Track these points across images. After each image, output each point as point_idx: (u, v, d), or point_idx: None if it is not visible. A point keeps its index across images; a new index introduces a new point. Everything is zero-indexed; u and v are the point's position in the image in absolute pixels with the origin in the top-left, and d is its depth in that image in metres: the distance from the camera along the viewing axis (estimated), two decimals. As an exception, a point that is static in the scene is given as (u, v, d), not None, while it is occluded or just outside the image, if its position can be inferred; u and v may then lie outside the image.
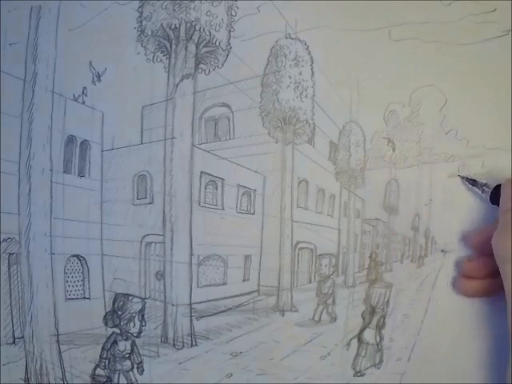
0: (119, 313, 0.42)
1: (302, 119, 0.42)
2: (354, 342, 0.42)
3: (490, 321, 0.39)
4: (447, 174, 0.41)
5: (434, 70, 0.40)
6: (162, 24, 0.41)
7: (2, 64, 0.41)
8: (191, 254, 0.42)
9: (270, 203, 0.42)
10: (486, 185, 0.37)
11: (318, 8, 0.40)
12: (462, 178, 0.39)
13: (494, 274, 0.34)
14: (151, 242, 0.42)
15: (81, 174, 0.42)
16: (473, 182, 0.39)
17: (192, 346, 0.42)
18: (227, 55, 0.41)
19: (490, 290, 0.36)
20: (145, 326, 0.42)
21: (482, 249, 0.37)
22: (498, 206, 0.35)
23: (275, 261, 0.42)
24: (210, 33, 0.41)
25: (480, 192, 0.38)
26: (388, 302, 0.42)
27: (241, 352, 0.42)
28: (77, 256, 0.42)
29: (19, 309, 0.41)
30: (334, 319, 0.42)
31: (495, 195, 0.36)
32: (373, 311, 0.42)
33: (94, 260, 0.42)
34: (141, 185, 0.42)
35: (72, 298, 0.42)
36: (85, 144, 0.41)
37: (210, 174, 0.42)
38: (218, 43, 0.41)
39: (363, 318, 0.42)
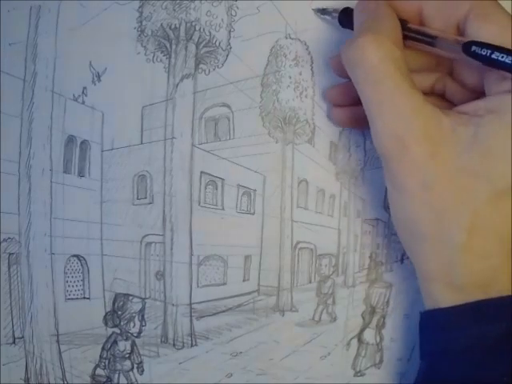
0: (119, 313, 0.42)
1: (302, 119, 0.42)
2: (354, 342, 0.42)
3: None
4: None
5: (434, 70, 0.40)
6: (161, 24, 0.41)
7: (2, 64, 0.41)
8: (191, 254, 0.42)
9: (270, 203, 0.42)
10: (335, 10, 0.38)
11: (316, 7, 0.40)
12: (314, 10, 0.40)
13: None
14: (151, 242, 0.42)
15: (81, 174, 0.42)
16: (323, 11, 0.39)
17: (192, 345, 0.42)
18: (227, 55, 0.41)
19: (361, 117, 0.35)
20: (145, 325, 0.42)
21: (342, 73, 0.37)
22: (349, 28, 0.36)
23: (275, 261, 0.42)
24: (210, 33, 0.41)
25: (331, 19, 0.39)
26: (388, 301, 0.42)
27: (241, 352, 0.42)
28: (77, 256, 0.42)
29: (19, 309, 0.41)
30: (333, 319, 0.42)
31: (344, 19, 0.37)
32: (373, 311, 0.42)
33: (94, 260, 0.42)
34: (141, 185, 0.42)
35: (72, 298, 0.42)
36: (85, 144, 0.41)
37: (209, 174, 0.42)
38: (217, 43, 0.41)
39: (363, 318, 0.42)
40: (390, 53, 0.30)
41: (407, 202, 0.31)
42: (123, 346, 0.42)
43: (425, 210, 0.31)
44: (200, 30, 0.41)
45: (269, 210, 0.42)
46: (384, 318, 0.42)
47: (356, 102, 0.35)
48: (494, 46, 0.29)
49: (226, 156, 0.42)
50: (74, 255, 0.42)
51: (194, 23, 0.41)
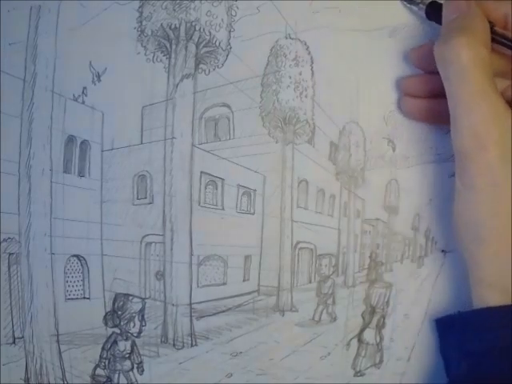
0: (119, 313, 0.42)
1: (302, 119, 0.42)
2: (354, 342, 0.42)
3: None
4: (447, 173, 0.41)
5: (434, 70, 0.40)
6: (161, 24, 0.41)
7: (2, 64, 0.41)
8: (191, 254, 0.42)
9: (270, 203, 0.42)
10: (422, 1, 0.39)
11: (317, 8, 0.40)
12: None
13: (438, 94, 0.34)
14: (151, 242, 0.42)
15: (81, 174, 0.42)
16: (410, 1, 0.40)
17: (192, 345, 0.42)
18: (227, 55, 0.41)
19: (434, 112, 0.36)
20: (145, 325, 0.42)
21: (422, 65, 0.38)
22: (435, 21, 0.37)
23: (275, 261, 0.42)
24: (210, 33, 0.41)
25: (417, 9, 0.39)
26: (388, 301, 0.42)
27: (241, 352, 0.42)
28: (77, 256, 0.42)
29: (19, 309, 0.41)
30: (334, 319, 0.42)
31: (431, 11, 0.38)
32: (373, 311, 0.42)
33: (94, 260, 0.42)
34: (141, 185, 0.42)
35: (72, 298, 0.42)
36: (85, 144, 0.41)
37: (210, 174, 0.42)
38: (217, 43, 0.41)
39: (363, 318, 0.42)
40: (480, 56, 0.31)
41: (474, 202, 0.32)
42: (123, 345, 0.42)
43: (490, 212, 0.32)
44: (200, 30, 0.41)
45: (269, 210, 0.42)
46: (384, 318, 0.42)
47: (429, 95, 0.36)
48: None
49: (226, 156, 0.42)
50: (74, 255, 0.42)
51: (193, 23, 0.41)
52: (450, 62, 0.32)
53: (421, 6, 0.39)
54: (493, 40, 0.34)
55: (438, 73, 0.34)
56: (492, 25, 0.34)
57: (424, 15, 0.39)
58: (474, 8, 0.34)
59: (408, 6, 0.40)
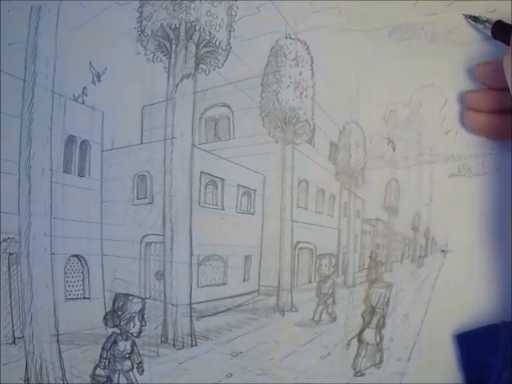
0: (119, 313, 0.42)
1: (302, 119, 0.42)
2: (354, 342, 0.42)
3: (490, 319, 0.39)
4: (447, 174, 0.41)
5: (433, 69, 0.40)
6: (162, 24, 0.41)
7: (2, 64, 0.41)
8: (191, 254, 0.42)
9: (270, 203, 0.42)
10: (487, 20, 0.39)
11: (317, 8, 0.40)
12: (465, 16, 0.40)
13: (503, 110, 0.34)
14: (151, 242, 0.42)
15: (81, 174, 0.42)
16: (475, 19, 0.40)
17: (192, 345, 0.42)
18: (227, 55, 0.41)
19: (498, 127, 0.36)
20: (145, 325, 0.42)
21: (488, 81, 0.38)
22: (501, 40, 0.37)
23: (275, 261, 0.42)
24: (210, 33, 0.41)
25: (482, 28, 0.39)
26: (388, 302, 0.42)
27: (241, 352, 0.42)
28: (77, 256, 0.42)
29: (19, 309, 0.41)
30: (334, 319, 0.42)
31: (496, 30, 0.38)
32: (373, 311, 0.42)
33: (94, 260, 0.42)
34: (141, 185, 0.42)
35: (72, 298, 0.42)
36: (85, 144, 0.41)
37: (210, 174, 0.42)
38: (218, 43, 0.41)
39: (363, 318, 0.42)
40: None
41: None
42: (123, 345, 0.42)
43: None
44: (200, 30, 0.41)
45: (269, 210, 0.42)
46: (384, 318, 0.42)
47: (493, 110, 0.36)
48: None
49: (226, 156, 0.42)
50: (74, 255, 0.42)
51: (193, 23, 0.41)
52: None
53: (486, 24, 0.39)
54: None
55: (502, 89, 0.34)
56: None
57: (489, 34, 0.39)
58: None
59: (473, 24, 0.40)
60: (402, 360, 0.42)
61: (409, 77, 0.41)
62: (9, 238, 0.41)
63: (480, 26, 0.40)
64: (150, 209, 0.42)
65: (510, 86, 0.33)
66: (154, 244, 0.42)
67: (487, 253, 0.40)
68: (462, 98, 0.40)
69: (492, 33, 0.39)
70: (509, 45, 0.35)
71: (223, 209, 0.42)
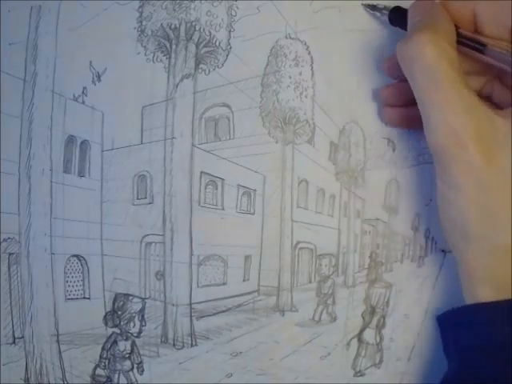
0: (119, 313, 0.42)
1: (302, 119, 0.42)
2: (354, 342, 0.42)
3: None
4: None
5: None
6: (162, 24, 0.41)
7: (2, 64, 0.41)
8: (191, 254, 0.42)
9: (270, 203, 0.42)
10: (385, 8, 0.39)
11: (317, 8, 0.40)
12: (363, 5, 0.40)
13: (414, 101, 0.33)
14: (151, 242, 0.42)
15: (81, 174, 0.42)
16: (373, 8, 0.40)
17: (192, 345, 0.42)
18: (227, 55, 0.41)
19: (412, 118, 0.35)
20: (145, 325, 0.42)
21: (395, 74, 0.37)
22: (399, 26, 0.37)
23: (275, 261, 0.42)
24: (210, 33, 0.41)
25: (380, 16, 0.39)
26: (388, 302, 0.42)
27: (241, 352, 0.42)
28: (77, 256, 0.42)
29: (19, 309, 0.41)
30: (334, 319, 0.42)
31: (394, 17, 0.38)
32: (373, 311, 0.42)
33: (94, 260, 0.42)
34: (141, 185, 0.42)
35: (72, 298, 0.42)
36: (85, 144, 0.41)
37: (210, 174, 0.42)
38: (218, 43, 0.41)
39: (363, 318, 0.42)
40: (446, 52, 0.30)
41: (459, 200, 0.31)
42: (123, 345, 0.42)
43: (476, 209, 0.31)
44: (200, 30, 0.41)
45: (269, 210, 0.42)
46: (384, 318, 0.42)
47: (407, 102, 0.36)
48: None
49: (226, 156, 0.42)
50: (74, 255, 0.42)
51: (194, 23, 0.41)
52: (414, 60, 0.31)
53: (384, 11, 0.39)
54: (459, 43, 0.33)
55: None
56: (457, 27, 0.33)
57: (388, 21, 0.38)
58: (439, 8, 0.33)
59: (371, 12, 0.40)
60: (402, 360, 0.42)
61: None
62: (9, 238, 0.41)
63: (378, 14, 0.39)
64: (150, 209, 0.42)
65: (404, 73, 0.32)
66: (153, 244, 0.42)
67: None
68: (377, 96, 0.41)
69: (389, 19, 0.38)
70: (407, 30, 0.35)
71: (223, 209, 0.42)
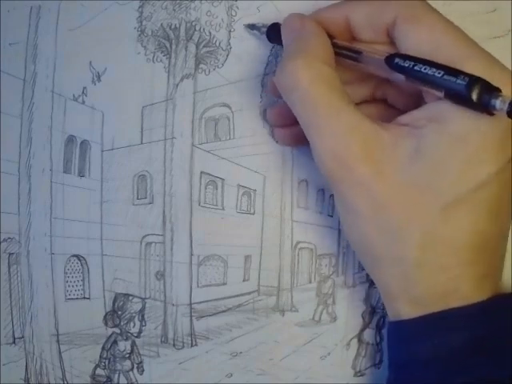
0: (119, 313, 0.42)
1: (302, 119, 0.42)
2: (354, 342, 0.42)
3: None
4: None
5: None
6: (162, 24, 0.41)
7: (2, 64, 0.41)
8: (191, 254, 0.42)
9: (270, 203, 0.42)
10: (263, 25, 0.38)
11: (317, 8, 0.40)
12: (244, 25, 0.40)
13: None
14: (151, 242, 0.42)
15: (81, 174, 0.42)
16: (252, 27, 0.39)
17: (192, 345, 0.42)
18: (227, 55, 0.41)
19: (301, 137, 0.34)
20: (145, 325, 0.42)
21: (277, 94, 0.36)
22: (277, 43, 0.36)
23: (275, 261, 0.42)
24: (210, 33, 0.41)
25: (260, 34, 0.39)
26: (388, 302, 0.42)
27: (241, 352, 0.42)
28: (77, 256, 0.42)
29: (19, 309, 0.41)
30: (333, 319, 0.42)
31: (272, 34, 0.37)
32: (373, 311, 0.42)
33: (93, 260, 0.42)
34: (141, 185, 0.42)
35: (72, 298, 0.42)
36: (85, 144, 0.41)
37: (210, 174, 0.42)
38: (218, 43, 0.41)
39: (363, 318, 0.42)
40: (320, 73, 0.29)
41: (359, 224, 0.31)
42: (123, 345, 0.42)
43: (377, 230, 0.30)
44: (200, 30, 0.41)
45: (269, 210, 0.42)
46: (384, 318, 0.42)
47: (295, 121, 0.35)
48: (417, 58, 0.28)
49: (226, 156, 0.42)
50: (74, 255, 0.42)
51: (194, 23, 0.41)
52: (290, 90, 0.30)
53: (263, 29, 0.38)
54: (336, 54, 0.32)
55: None
56: (331, 38, 0.32)
57: (265, 38, 0.38)
58: (309, 25, 0.32)
59: (252, 32, 0.40)
60: (402, 360, 0.42)
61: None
62: (9, 238, 0.41)
63: (257, 33, 0.39)
64: (150, 209, 0.42)
65: (286, 102, 0.31)
66: (154, 244, 0.42)
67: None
68: (266, 118, 0.40)
69: (268, 37, 0.37)
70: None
71: (223, 209, 0.42)
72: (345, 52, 0.32)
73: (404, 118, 0.31)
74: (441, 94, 0.28)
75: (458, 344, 0.30)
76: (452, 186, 0.29)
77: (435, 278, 0.30)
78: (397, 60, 0.29)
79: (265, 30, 0.38)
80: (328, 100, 0.29)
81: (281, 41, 0.35)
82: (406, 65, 0.28)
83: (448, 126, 0.28)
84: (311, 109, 0.30)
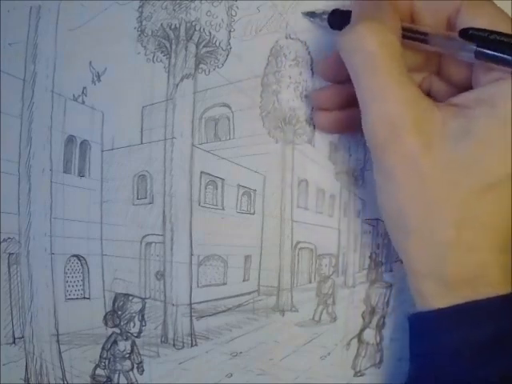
0: (119, 313, 0.42)
1: (302, 119, 0.42)
2: (354, 342, 0.42)
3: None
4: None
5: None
6: (162, 24, 0.41)
7: (2, 64, 0.41)
8: (191, 254, 0.42)
9: (270, 203, 0.42)
10: (323, 12, 0.38)
11: (317, 8, 0.40)
12: (303, 13, 0.40)
13: (348, 104, 0.32)
14: (151, 242, 0.42)
15: (81, 174, 0.42)
16: (312, 14, 0.39)
17: (192, 345, 0.42)
18: (227, 55, 0.41)
19: (346, 122, 0.34)
20: (145, 325, 0.42)
21: (330, 76, 0.37)
22: (338, 29, 0.35)
23: (275, 261, 0.42)
24: (210, 33, 0.41)
25: (321, 22, 0.38)
26: (388, 301, 0.42)
27: (241, 352, 0.42)
28: (77, 256, 0.42)
29: (19, 309, 0.41)
30: (333, 319, 0.42)
31: (333, 20, 0.37)
32: (373, 311, 0.42)
33: (93, 260, 0.42)
34: (141, 185, 0.42)
35: (72, 298, 0.42)
36: (85, 144, 0.41)
37: (209, 174, 0.42)
38: (218, 43, 0.41)
39: (363, 318, 0.42)
40: (388, 41, 0.30)
41: (396, 192, 0.31)
42: (123, 346, 0.42)
43: (413, 201, 0.30)
44: (200, 30, 0.41)
45: (269, 210, 0.42)
46: (384, 318, 0.42)
47: (340, 106, 0.35)
48: (491, 30, 0.29)
49: (226, 156, 0.42)
50: (74, 255, 0.42)
51: (194, 23, 0.41)
52: (355, 50, 0.30)
53: (323, 16, 0.38)
54: (402, 36, 0.32)
55: (345, 82, 0.33)
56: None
57: (327, 25, 0.38)
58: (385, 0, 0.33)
59: (312, 20, 0.39)
60: (402, 360, 0.42)
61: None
62: (9, 238, 0.41)
63: (318, 21, 0.39)
64: (150, 209, 0.42)
65: (345, 64, 0.31)
66: (154, 244, 0.42)
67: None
68: (310, 99, 0.40)
69: (329, 23, 0.37)
70: None
71: (223, 209, 0.42)
72: (410, 34, 0.33)
73: (455, 99, 0.31)
74: (510, 70, 0.28)
75: (483, 338, 0.30)
76: (495, 168, 0.29)
77: (465, 260, 0.30)
78: (471, 32, 0.30)
79: (325, 17, 0.38)
80: (391, 68, 0.29)
81: (342, 27, 0.34)
82: (482, 34, 0.29)
83: (498, 110, 0.29)
84: (373, 72, 0.30)
